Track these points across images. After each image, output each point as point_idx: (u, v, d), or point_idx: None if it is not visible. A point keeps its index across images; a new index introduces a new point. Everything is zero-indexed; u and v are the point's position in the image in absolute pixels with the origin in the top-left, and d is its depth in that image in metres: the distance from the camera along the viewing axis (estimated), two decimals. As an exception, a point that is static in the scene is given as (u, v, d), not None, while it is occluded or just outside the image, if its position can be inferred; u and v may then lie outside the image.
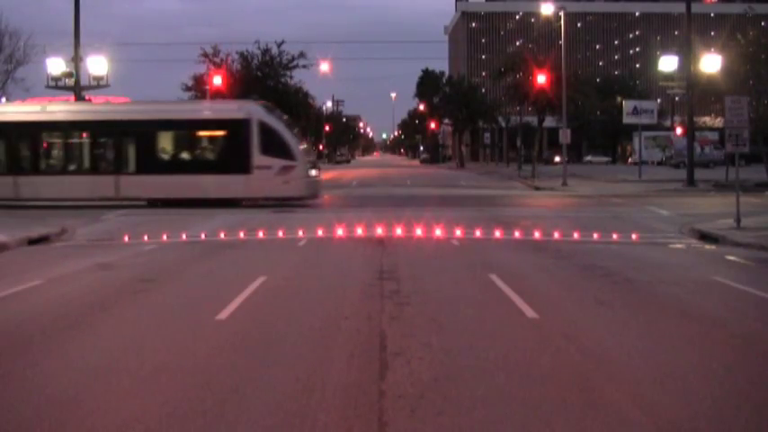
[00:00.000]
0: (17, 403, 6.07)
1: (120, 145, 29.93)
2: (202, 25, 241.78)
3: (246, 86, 53.54)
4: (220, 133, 30.19)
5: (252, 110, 29.70)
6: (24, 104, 34.45)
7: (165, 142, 30.66)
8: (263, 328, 8.69)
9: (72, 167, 30.53)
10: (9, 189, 29.04)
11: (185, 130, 30.33)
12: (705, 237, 18.47)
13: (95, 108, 34.46)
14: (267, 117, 29.40)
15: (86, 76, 40.93)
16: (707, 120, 69.41)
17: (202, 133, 30.63)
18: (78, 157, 31.17)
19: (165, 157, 30.32)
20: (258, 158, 28.35)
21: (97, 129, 30.10)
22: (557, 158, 56.40)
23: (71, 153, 31.42)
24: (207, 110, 32.72)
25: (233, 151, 29.20)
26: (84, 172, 29.89)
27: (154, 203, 28.68)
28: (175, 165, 29.75)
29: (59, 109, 31.93)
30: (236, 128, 28.98)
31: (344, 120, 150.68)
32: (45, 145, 31.28)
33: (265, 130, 28.60)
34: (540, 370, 6.86)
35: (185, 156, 30.39)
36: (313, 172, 30.00)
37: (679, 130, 67.85)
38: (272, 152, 28.37)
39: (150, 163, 29.37)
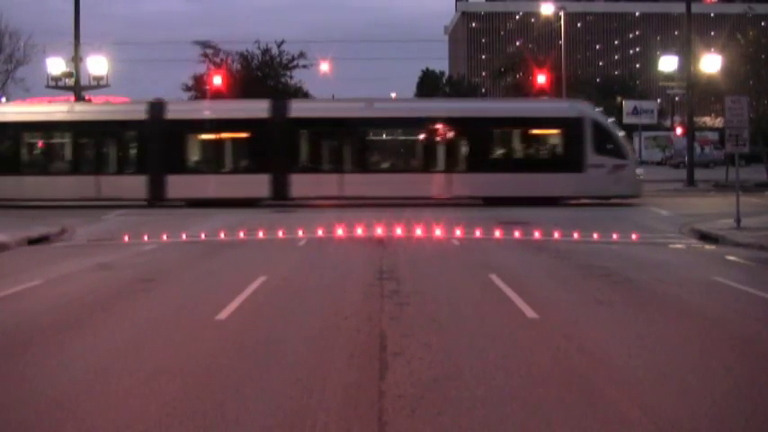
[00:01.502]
0: (17, 403, 6.06)
1: (451, 143, 29.74)
2: (202, 25, 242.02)
3: (246, 86, 53.58)
4: (552, 132, 30.22)
5: (584, 109, 30.08)
6: (346, 101, 34.00)
7: (498, 141, 30.68)
8: (263, 329, 8.68)
9: (400, 166, 30.36)
10: (334, 187, 28.85)
11: (517, 128, 30.23)
12: (705, 237, 18.47)
13: (423, 105, 34.74)
14: (599, 116, 29.78)
15: (86, 76, 40.97)
16: (707, 120, 69.43)
17: (534, 132, 30.54)
18: (406, 155, 31.01)
19: (497, 155, 30.23)
20: (591, 157, 28.48)
21: (426, 126, 29.82)
22: None
23: (397, 151, 31.24)
24: (537, 108, 32.64)
25: (565, 150, 29.39)
26: (414, 170, 29.75)
27: (490, 202, 28.34)
28: (507, 163, 29.61)
29: (384, 106, 32.18)
30: (569, 126, 29.11)
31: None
32: (370, 143, 30.98)
33: (597, 129, 28.82)
34: (540, 370, 6.86)
35: (518, 154, 30.36)
36: (639, 171, 30.40)
37: (679, 130, 67.89)
38: (605, 151, 28.58)
39: (482, 161, 29.24)
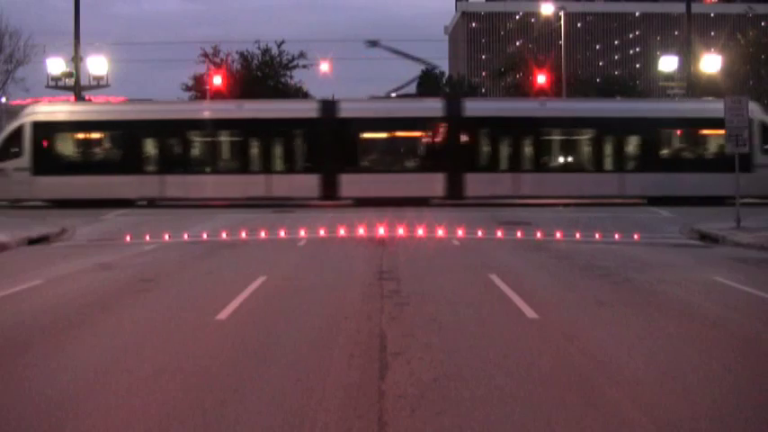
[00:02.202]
0: (17, 403, 6.06)
1: (621, 143, 30.12)
2: (202, 25, 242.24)
3: (246, 86, 53.50)
4: (721, 132, 30.34)
5: (753, 109, 30.28)
6: (518, 101, 33.78)
7: (667, 141, 31.13)
8: (263, 328, 8.68)
9: (572, 165, 30.78)
10: (508, 186, 29.30)
11: (685, 128, 30.82)
12: (705, 237, 18.50)
13: (593, 105, 35.03)
14: (766, 117, 30.13)
15: (86, 76, 41.00)
16: (707, 120, 69.28)
17: (703, 132, 31.02)
18: (578, 154, 31.25)
19: (666, 155, 30.64)
20: (759, 158, 28.87)
21: (597, 126, 30.10)
22: None
23: (569, 150, 31.48)
24: (705, 109, 32.38)
25: None
26: (585, 170, 30.21)
27: (654, 202, 28.82)
28: (676, 163, 30.03)
29: (556, 106, 32.75)
30: None
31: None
32: (544, 142, 31.16)
33: (765, 130, 29.13)
34: (540, 370, 6.85)
35: (686, 154, 30.77)
36: None
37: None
38: None
39: (651, 161, 29.70)
